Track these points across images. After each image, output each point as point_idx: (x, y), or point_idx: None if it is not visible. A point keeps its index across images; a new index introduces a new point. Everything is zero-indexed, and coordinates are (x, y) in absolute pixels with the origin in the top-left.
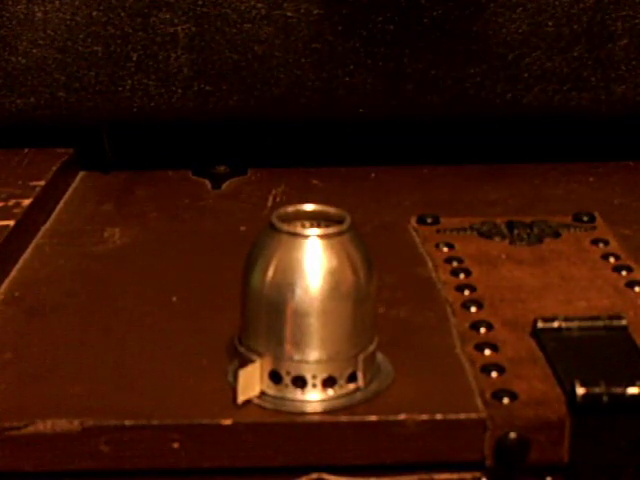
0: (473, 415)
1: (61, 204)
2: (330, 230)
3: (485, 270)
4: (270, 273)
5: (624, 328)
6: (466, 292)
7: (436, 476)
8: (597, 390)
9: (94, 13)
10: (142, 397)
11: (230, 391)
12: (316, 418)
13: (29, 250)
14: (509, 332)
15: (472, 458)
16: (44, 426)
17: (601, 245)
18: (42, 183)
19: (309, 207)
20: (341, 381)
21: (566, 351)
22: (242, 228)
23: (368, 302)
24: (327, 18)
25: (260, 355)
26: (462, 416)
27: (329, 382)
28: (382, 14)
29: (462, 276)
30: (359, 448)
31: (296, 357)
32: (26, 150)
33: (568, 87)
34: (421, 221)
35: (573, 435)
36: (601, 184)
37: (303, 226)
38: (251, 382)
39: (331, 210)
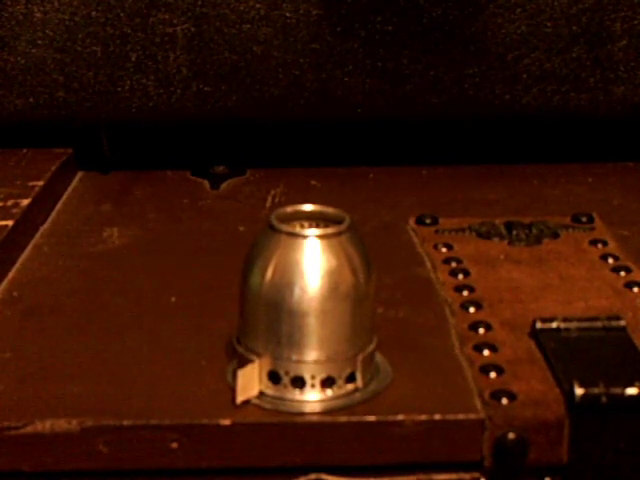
0: (472, 415)
1: (60, 204)
2: (329, 230)
3: (484, 271)
4: (269, 273)
5: (623, 329)
6: (465, 292)
7: (435, 476)
8: (596, 390)
9: (93, 13)
10: (141, 397)
11: (229, 391)
12: (315, 418)
13: (28, 250)
14: (508, 332)
15: (471, 458)
16: (43, 426)
17: (600, 246)
18: (41, 183)
19: (308, 207)
20: (340, 381)
21: (565, 351)
22: (241, 228)
23: (367, 302)
24: (326, 19)
25: (259, 355)
26: (461, 416)
27: (328, 382)
28: (381, 15)
29: (461, 276)
30: (358, 448)
31: (295, 357)
32: (25, 150)
33: (567, 88)
34: (420, 221)
35: (572, 435)
36: (600, 185)
37: (302, 226)
38: (250, 382)
39: (330, 210)
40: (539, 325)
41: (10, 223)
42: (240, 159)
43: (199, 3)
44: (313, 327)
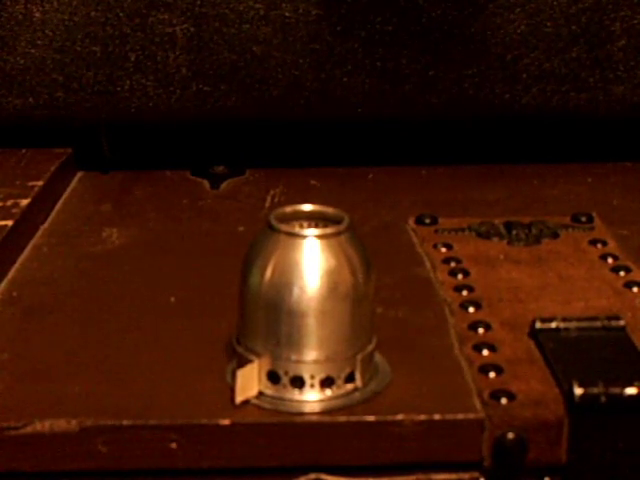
0: (471, 415)
1: (59, 204)
2: (328, 230)
3: (483, 270)
4: (268, 273)
5: (622, 328)
6: (464, 292)
7: (434, 476)
8: (595, 390)
9: (92, 13)
10: (140, 397)
11: (228, 391)
12: (314, 418)
13: (27, 250)
14: (507, 332)
15: (470, 458)
16: (42, 426)
17: (599, 246)
18: (40, 183)
19: (307, 207)
20: (339, 381)
21: (564, 351)
22: (240, 228)
23: (366, 302)
24: (325, 18)
25: (258, 355)
26: (460, 416)
27: (327, 382)
28: (380, 15)
29: (460, 276)
30: (357, 448)
31: (294, 357)
32: (24, 150)
33: (566, 87)
34: (419, 221)
35: (571, 435)
36: (599, 185)
37: (301, 226)
38: (249, 382)
39: (329, 210)
40: (538, 325)
41: (10, 223)
42: (240, 159)
43: (198, 3)
44: (312, 327)
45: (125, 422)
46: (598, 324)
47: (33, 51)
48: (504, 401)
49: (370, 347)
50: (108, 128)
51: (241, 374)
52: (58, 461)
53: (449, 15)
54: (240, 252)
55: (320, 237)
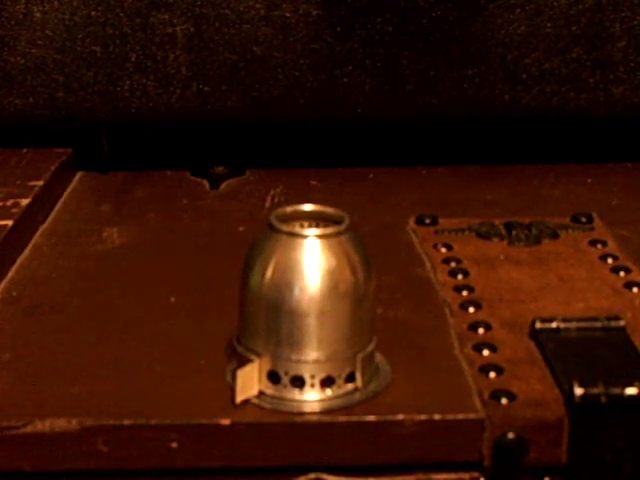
0: (471, 415)
1: (59, 204)
2: (328, 230)
3: (483, 271)
4: (269, 273)
5: (622, 329)
6: (464, 293)
7: (434, 476)
8: (595, 390)
9: (93, 13)
10: (140, 397)
11: (228, 391)
12: (314, 418)
13: (27, 250)
14: (507, 333)
15: (470, 458)
16: (43, 426)
17: (599, 246)
18: (40, 183)
19: (307, 207)
20: (339, 381)
21: (564, 352)
22: (240, 228)
23: (366, 302)
24: (326, 19)
25: (258, 355)
26: (460, 416)
27: (327, 382)
28: (381, 15)
29: (460, 277)
30: (357, 448)
31: (294, 357)
32: (25, 150)
33: (567, 88)
34: (419, 222)
35: (571, 435)
36: (599, 185)
37: (302, 226)
38: (249, 382)
39: (329, 210)
40: (538, 325)
41: (10, 223)
42: (240, 159)
43: (199, 3)
44: (313, 327)
45: (126, 422)
46: (598, 324)
47: (33, 51)
48: (504, 401)
49: (370, 347)
50: (108, 128)
51: (241, 374)
52: (58, 461)
53: (449, 15)
54: (240, 252)
55: (321, 237)
